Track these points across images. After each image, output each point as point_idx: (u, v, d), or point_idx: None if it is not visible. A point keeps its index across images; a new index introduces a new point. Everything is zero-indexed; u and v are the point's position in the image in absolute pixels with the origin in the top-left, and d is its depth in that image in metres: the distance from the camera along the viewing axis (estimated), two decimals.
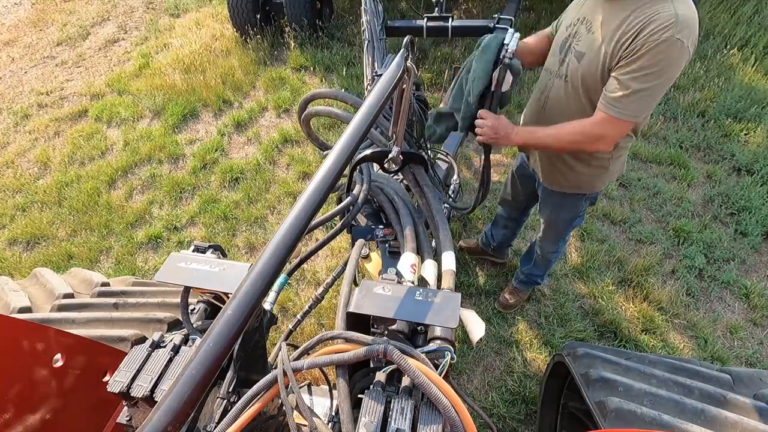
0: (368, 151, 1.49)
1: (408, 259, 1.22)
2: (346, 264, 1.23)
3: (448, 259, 1.22)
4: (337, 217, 1.48)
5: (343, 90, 1.97)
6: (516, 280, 2.75)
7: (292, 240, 0.80)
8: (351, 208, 1.44)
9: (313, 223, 1.34)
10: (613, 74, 1.48)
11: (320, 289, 1.53)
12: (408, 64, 1.22)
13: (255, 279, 0.75)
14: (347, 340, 0.93)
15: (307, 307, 1.56)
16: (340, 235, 1.47)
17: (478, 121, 1.70)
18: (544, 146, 1.74)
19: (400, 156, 1.49)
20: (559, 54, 1.72)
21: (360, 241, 1.31)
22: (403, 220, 1.38)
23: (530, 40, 1.96)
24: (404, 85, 1.31)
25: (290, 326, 1.60)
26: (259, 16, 4.84)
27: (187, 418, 0.65)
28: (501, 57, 1.61)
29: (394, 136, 1.45)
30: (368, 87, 2.45)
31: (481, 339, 1.02)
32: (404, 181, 1.70)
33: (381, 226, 1.53)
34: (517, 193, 2.42)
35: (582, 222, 2.25)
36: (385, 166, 1.52)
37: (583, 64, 1.58)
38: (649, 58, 1.39)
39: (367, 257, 1.67)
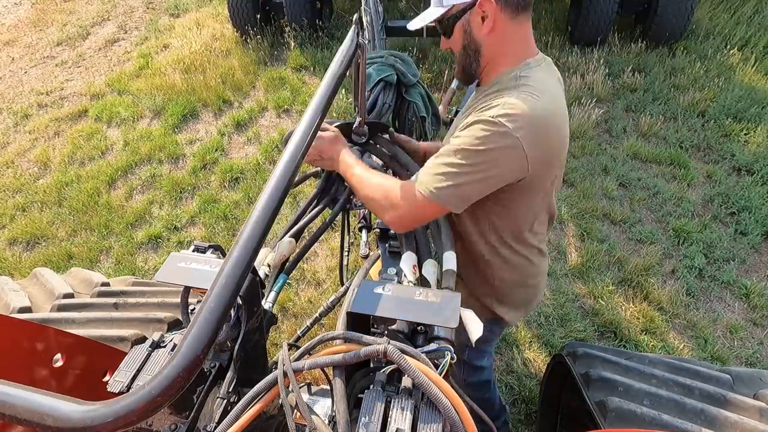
0: (334, 125, 1.55)
1: (408, 259, 1.22)
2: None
3: (450, 259, 1.22)
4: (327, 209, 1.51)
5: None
6: None
7: (270, 215, 0.84)
8: (328, 186, 1.50)
9: (302, 222, 1.38)
10: None
11: (332, 298, 1.55)
12: (360, 40, 1.28)
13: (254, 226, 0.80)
14: (347, 341, 0.93)
15: (317, 314, 1.56)
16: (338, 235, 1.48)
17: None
18: (354, 185, 1.36)
19: (365, 126, 1.56)
20: None
21: (375, 253, 1.34)
22: None
23: None
24: (359, 60, 1.38)
25: (299, 332, 1.61)
26: (259, 16, 4.85)
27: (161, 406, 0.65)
28: None
29: (356, 108, 1.53)
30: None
31: (479, 339, 1.02)
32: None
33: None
34: None
35: (490, 352, 1.82)
36: (353, 138, 1.59)
37: None
38: (458, 139, 1.17)
39: (366, 257, 1.67)
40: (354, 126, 1.56)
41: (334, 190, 1.52)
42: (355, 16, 1.34)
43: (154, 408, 0.63)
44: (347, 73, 1.25)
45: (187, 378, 0.65)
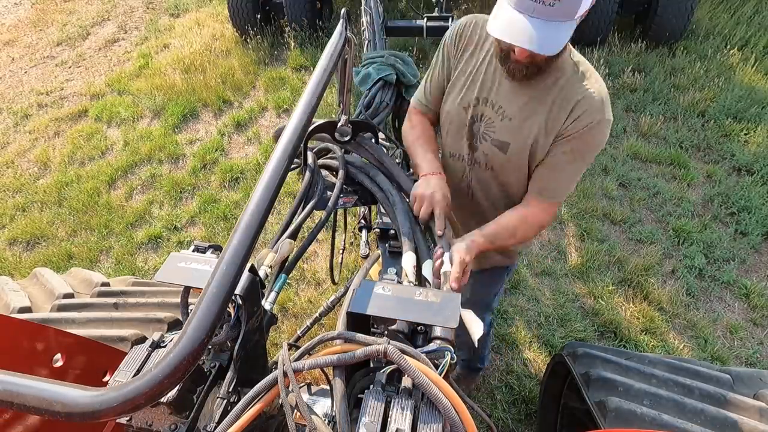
0: (317, 123, 1.51)
1: (408, 259, 1.22)
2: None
3: (447, 260, 1.22)
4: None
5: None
6: (461, 371, 2.48)
7: (264, 210, 0.85)
8: (313, 184, 1.46)
9: (297, 222, 1.38)
10: (545, 161, 1.41)
11: (332, 298, 1.54)
12: (348, 35, 1.28)
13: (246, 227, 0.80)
14: (347, 341, 0.93)
15: (317, 314, 1.56)
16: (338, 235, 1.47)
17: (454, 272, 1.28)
18: (504, 244, 1.50)
19: (349, 125, 1.52)
20: (464, 138, 1.53)
21: (375, 253, 1.33)
22: (401, 218, 1.38)
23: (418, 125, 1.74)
24: (346, 55, 1.38)
25: (299, 332, 1.61)
26: (259, 16, 4.84)
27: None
28: None
29: (341, 105, 1.50)
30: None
31: (480, 338, 1.02)
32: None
33: (341, 195, 1.54)
34: None
35: (498, 299, 2.09)
36: (336, 136, 1.54)
37: (512, 153, 1.44)
38: (581, 142, 1.35)
39: (366, 257, 1.67)
40: (338, 124, 1.52)
41: (320, 190, 1.49)
42: (343, 10, 1.34)
43: (161, 392, 0.64)
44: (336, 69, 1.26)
45: (193, 361, 0.66)
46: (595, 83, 1.34)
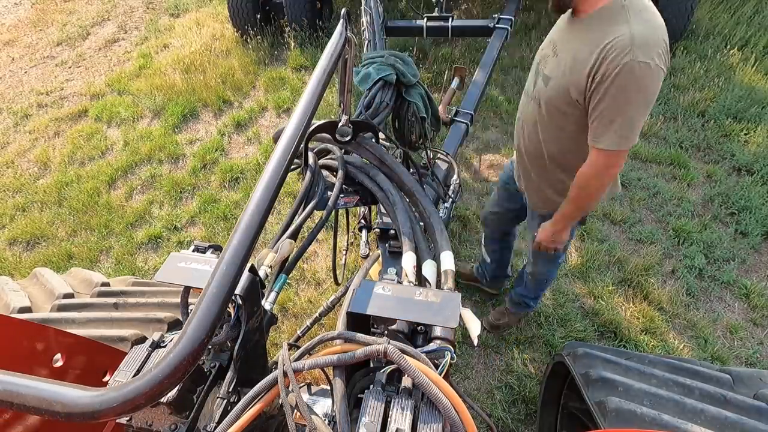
0: (318, 123, 1.51)
1: (408, 259, 1.22)
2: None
3: (447, 259, 1.22)
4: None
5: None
6: (509, 301, 2.62)
7: (264, 210, 0.85)
8: (314, 184, 1.46)
9: (297, 222, 1.38)
10: (591, 107, 1.46)
11: (332, 298, 1.54)
12: (348, 35, 1.29)
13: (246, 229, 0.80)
14: (347, 341, 0.93)
15: (317, 314, 1.56)
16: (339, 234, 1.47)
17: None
18: (581, 211, 1.74)
19: (350, 125, 1.52)
20: (533, 77, 1.74)
21: (375, 253, 1.33)
22: (401, 218, 1.38)
23: None
24: (347, 55, 1.39)
25: (299, 332, 1.61)
26: (259, 16, 4.85)
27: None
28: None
29: (342, 105, 1.50)
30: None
31: (479, 336, 1.02)
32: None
33: (342, 195, 1.54)
34: (502, 209, 2.36)
35: (570, 244, 2.17)
36: (336, 137, 1.54)
37: (550, 88, 1.59)
38: (614, 88, 1.36)
39: (366, 257, 1.67)
40: (339, 124, 1.52)
41: (321, 190, 1.49)
42: (343, 10, 1.35)
43: (161, 392, 0.64)
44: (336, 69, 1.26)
45: (193, 361, 0.66)
46: (635, 24, 1.33)
